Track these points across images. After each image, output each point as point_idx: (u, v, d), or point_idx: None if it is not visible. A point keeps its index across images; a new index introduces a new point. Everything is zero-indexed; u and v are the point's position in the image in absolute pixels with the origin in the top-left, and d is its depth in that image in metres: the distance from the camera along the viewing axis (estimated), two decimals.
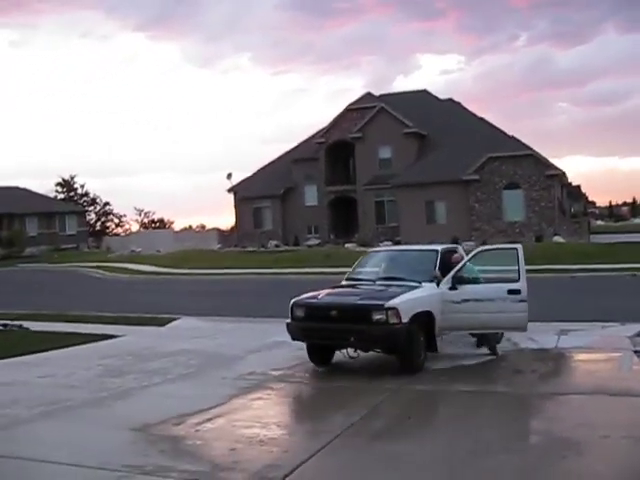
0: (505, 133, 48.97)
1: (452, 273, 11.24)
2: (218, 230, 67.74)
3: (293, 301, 10.97)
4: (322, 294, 11.12)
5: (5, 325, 16.31)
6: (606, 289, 22.21)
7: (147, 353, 12.50)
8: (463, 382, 9.82)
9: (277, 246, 49.73)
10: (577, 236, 43.29)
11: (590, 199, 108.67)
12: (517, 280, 11.00)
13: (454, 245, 13.12)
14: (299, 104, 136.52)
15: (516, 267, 11.10)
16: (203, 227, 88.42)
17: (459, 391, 9.28)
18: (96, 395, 9.33)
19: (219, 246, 55.04)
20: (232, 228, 64.28)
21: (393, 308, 9.96)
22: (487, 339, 11.71)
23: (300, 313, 10.77)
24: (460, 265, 11.38)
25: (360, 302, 10.47)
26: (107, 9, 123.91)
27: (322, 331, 10.50)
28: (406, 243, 41.63)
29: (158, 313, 18.22)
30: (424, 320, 10.54)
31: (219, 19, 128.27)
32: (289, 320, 10.88)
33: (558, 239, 40.80)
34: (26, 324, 16.42)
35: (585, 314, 15.13)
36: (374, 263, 12.93)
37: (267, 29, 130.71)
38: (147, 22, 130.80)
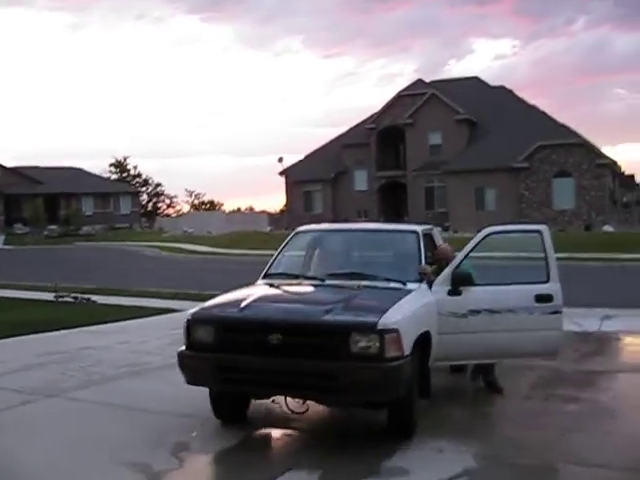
0: (556, 121, 49.00)
1: (451, 268, 7.45)
2: (267, 213, 68.87)
3: (192, 313, 6.71)
4: (248, 299, 6.72)
5: (75, 298, 17.34)
6: None
7: None
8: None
9: None
10: (627, 225, 43.37)
11: None
12: (545, 280, 7.52)
13: (429, 226, 8.85)
14: (350, 88, 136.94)
15: (542, 261, 7.59)
16: (252, 209, 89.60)
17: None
18: (170, 361, 10.08)
19: (270, 228, 56.13)
20: (282, 210, 65.47)
21: (392, 330, 5.95)
22: (486, 368, 8.26)
23: (206, 336, 6.42)
24: (461, 256, 7.59)
25: (330, 318, 6.14)
26: None
27: (252, 372, 6.21)
28: (455, 230, 42.16)
29: (216, 290, 19.05)
30: (421, 348, 6.63)
31: (272, 1, 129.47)
32: (183, 348, 6.64)
33: (608, 228, 40.91)
34: (93, 298, 17.44)
35: (631, 301, 15.32)
36: (313, 250, 8.43)
37: (319, 12, 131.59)
38: (201, 4, 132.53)
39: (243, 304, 6.59)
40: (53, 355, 10.46)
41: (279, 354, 6.06)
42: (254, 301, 6.69)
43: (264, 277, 7.90)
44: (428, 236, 8.38)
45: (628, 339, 12.05)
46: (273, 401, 6.97)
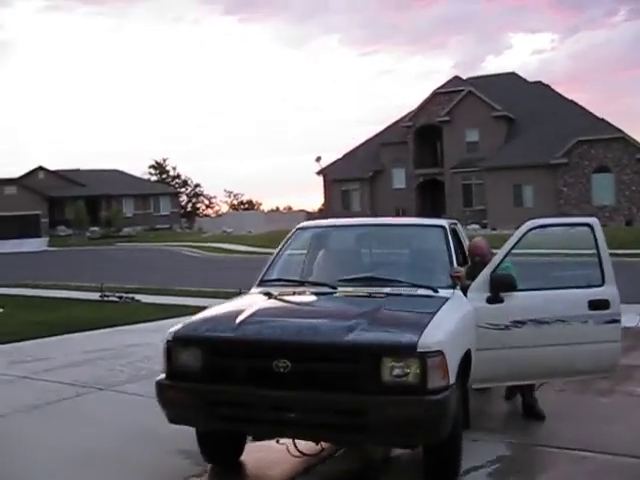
0: (595, 115, 48.56)
1: (489, 269, 6.26)
2: (305, 212, 69.23)
3: (173, 332, 5.31)
4: (244, 314, 5.36)
5: (120, 297, 17.86)
6: None
7: None
8: None
9: None
10: None
11: None
12: (600, 284, 6.37)
13: (453, 220, 7.65)
14: (387, 85, 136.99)
15: (593, 258, 6.40)
16: (290, 208, 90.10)
17: None
18: None
19: None
20: (320, 209, 65.71)
21: (436, 352, 4.69)
22: (528, 389, 7.07)
23: (192, 362, 5.12)
24: (502, 255, 6.37)
25: (355, 338, 4.81)
26: None
27: (251, 408, 4.95)
28: (493, 227, 42.06)
29: None
30: (464, 371, 5.39)
31: (307, 0, 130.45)
32: (162, 377, 5.37)
33: None
34: (137, 297, 17.92)
35: None
36: (319, 250, 7.18)
37: (355, 10, 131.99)
38: (237, 5, 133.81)
39: (239, 319, 5.24)
40: (101, 352, 10.87)
41: (287, 385, 4.79)
42: (252, 315, 5.34)
43: (260, 284, 6.55)
44: (454, 232, 7.15)
45: None
46: (277, 442, 5.53)
